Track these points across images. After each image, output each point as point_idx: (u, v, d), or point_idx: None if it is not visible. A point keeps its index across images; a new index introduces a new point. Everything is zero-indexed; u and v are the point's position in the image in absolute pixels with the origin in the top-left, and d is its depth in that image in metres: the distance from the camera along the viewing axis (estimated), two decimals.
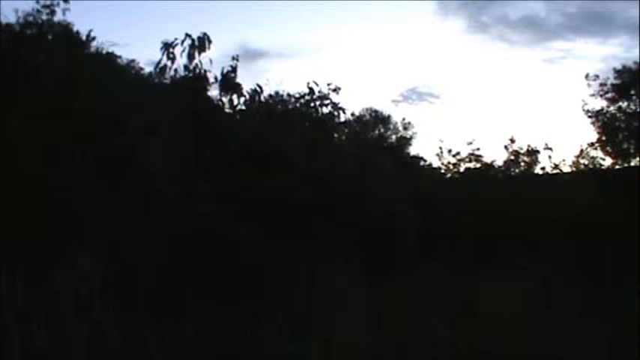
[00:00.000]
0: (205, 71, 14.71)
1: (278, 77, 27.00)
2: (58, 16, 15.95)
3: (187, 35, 14.34)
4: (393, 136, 34.27)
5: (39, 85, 13.83)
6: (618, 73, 21.97)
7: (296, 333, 11.04)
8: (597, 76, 22.15)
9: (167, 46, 14.40)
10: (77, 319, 9.71)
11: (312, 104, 17.33)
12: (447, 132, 45.27)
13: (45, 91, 13.79)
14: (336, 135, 19.35)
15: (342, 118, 18.41)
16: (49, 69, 14.13)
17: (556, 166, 20.34)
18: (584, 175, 20.46)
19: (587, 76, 22.28)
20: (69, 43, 16.25)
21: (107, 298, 10.23)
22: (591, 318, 13.81)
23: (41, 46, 15.19)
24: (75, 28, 16.98)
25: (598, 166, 21.31)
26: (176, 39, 14.39)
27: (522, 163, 20.35)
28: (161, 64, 14.45)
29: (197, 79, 14.72)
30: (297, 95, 17.62)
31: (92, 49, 17.47)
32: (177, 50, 14.43)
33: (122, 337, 9.76)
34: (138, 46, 55.79)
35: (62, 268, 10.45)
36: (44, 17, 15.82)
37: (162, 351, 9.65)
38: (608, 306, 14.24)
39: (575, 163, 21.16)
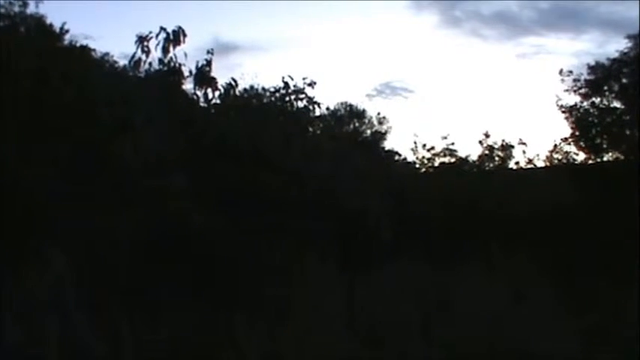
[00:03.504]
0: (180, 65, 14.62)
1: (252, 71, 26.81)
2: (31, 9, 15.85)
3: (162, 29, 14.22)
4: (368, 131, 34.14)
5: (11, 78, 13.68)
6: (591, 69, 22.03)
7: (271, 330, 11.04)
8: (571, 72, 22.15)
9: (142, 40, 14.27)
10: (50, 316, 9.65)
11: (287, 98, 17.24)
12: (421, 126, 45.02)
13: (17, 85, 13.64)
14: (310, 129, 19.26)
15: (317, 113, 18.32)
16: (21, 62, 13.97)
17: (530, 161, 20.45)
18: (558, 170, 20.55)
19: (560, 71, 22.32)
20: (42, 36, 16.10)
21: (81, 295, 10.17)
22: (565, 312, 13.94)
23: (13, 38, 15.03)
24: (48, 21, 16.88)
25: (572, 161, 21.40)
26: (151, 32, 14.29)
27: (497, 158, 20.40)
28: (135, 58, 14.32)
29: (172, 72, 14.62)
30: (272, 89, 17.52)
31: (65, 42, 17.32)
32: (152, 44, 14.33)
33: (95, 334, 9.71)
34: (112, 39, 54.98)
35: (35, 265, 10.37)
36: (17, 9, 15.68)
37: (137, 349, 9.61)
38: (582, 300, 14.37)
39: (549, 158, 21.22)
